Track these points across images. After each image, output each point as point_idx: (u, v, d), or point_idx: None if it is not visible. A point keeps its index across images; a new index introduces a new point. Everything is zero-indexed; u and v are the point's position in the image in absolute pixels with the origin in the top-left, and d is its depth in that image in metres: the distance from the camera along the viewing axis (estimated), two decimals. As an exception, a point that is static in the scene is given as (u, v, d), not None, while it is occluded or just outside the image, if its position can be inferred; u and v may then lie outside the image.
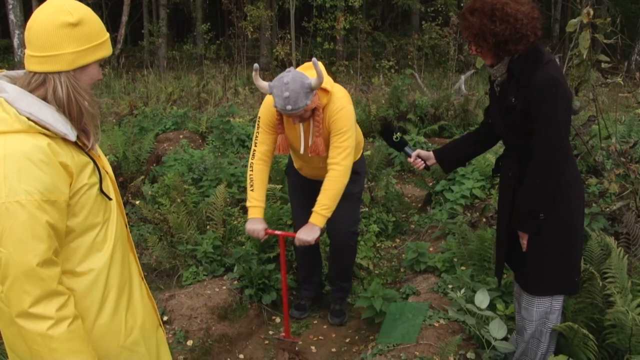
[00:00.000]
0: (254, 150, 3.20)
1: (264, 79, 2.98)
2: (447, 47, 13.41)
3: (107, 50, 1.64)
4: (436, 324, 3.13)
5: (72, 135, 1.55)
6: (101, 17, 15.54)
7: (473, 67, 10.83)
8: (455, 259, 3.80)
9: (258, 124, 3.18)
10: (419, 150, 2.83)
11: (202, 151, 6.26)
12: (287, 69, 2.88)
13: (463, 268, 3.67)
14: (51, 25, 1.50)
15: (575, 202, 2.43)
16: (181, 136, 7.58)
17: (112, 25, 19.65)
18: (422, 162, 2.82)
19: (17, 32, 14.36)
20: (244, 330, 3.61)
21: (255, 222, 3.15)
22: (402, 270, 4.26)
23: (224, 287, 3.73)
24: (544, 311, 2.51)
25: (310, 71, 2.92)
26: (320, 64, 2.80)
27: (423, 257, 3.93)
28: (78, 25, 1.53)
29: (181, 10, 24.53)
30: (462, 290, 2.91)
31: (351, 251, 3.64)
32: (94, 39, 1.58)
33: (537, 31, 2.29)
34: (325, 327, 3.73)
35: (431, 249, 4.26)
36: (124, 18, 16.38)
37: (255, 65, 2.96)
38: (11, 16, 14.34)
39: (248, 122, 7.94)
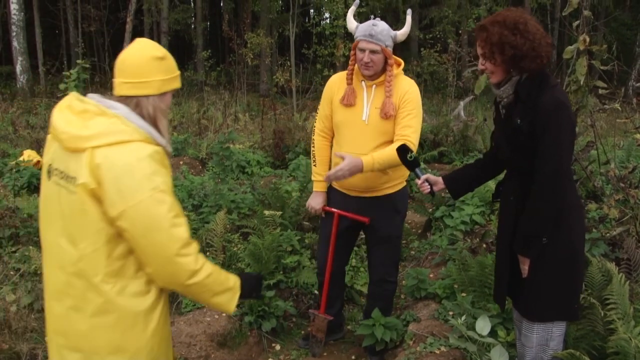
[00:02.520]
0: (314, 126, 3.42)
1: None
2: (445, 74, 13.55)
3: (179, 82, 1.96)
4: (437, 351, 3.10)
5: (169, 147, 1.90)
6: (103, 43, 15.71)
7: (472, 93, 10.91)
8: (456, 285, 3.78)
9: (320, 102, 3.36)
10: (428, 175, 2.82)
11: (202, 177, 6.28)
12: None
13: (464, 294, 3.65)
14: (144, 58, 1.83)
15: (576, 227, 2.43)
16: (181, 162, 7.60)
17: (113, 52, 19.83)
18: (429, 186, 2.80)
19: (20, 58, 14.51)
20: (243, 358, 3.58)
21: (316, 199, 3.40)
22: (402, 296, 4.24)
23: (224, 314, 3.70)
24: (544, 338, 2.49)
25: None
26: (410, 19, 3.12)
27: (423, 284, 3.90)
28: (164, 59, 1.86)
29: (182, 37, 24.83)
30: (463, 317, 2.89)
31: (391, 285, 3.53)
32: (173, 71, 1.90)
33: (549, 55, 2.33)
34: (325, 354, 3.70)
35: (431, 276, 4.24)
36: (126, 45, 16.52)
37: (357, 1, 3.26)
38: (14, 43, 14.50)
39: (248, 149, 7.97)
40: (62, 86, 5.46)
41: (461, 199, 5.06)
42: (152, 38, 20.21)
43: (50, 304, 1.86)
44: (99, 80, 17.49)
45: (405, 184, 3.37)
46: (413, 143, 3.03)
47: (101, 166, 1.70)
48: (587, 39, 3.63)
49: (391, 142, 3.12)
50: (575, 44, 3.69)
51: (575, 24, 3.79)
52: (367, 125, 3.13)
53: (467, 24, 16.47)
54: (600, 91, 3.93)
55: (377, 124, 3.11)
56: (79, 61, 5.59)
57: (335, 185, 3.38)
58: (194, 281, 1.79)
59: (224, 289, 1.91)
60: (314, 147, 3.40)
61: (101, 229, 1.73)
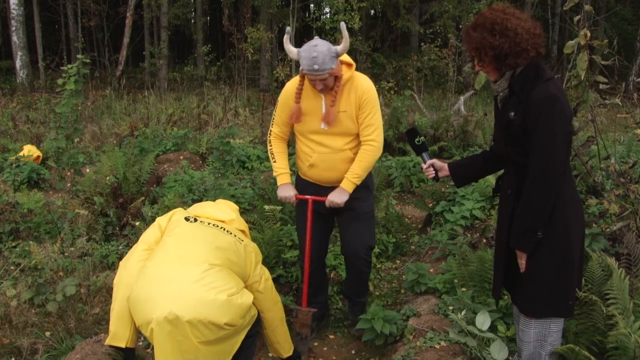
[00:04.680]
0: (271, 129, 3.50)
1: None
2: (446, 68, 13.51)
3: None
4: (437, 346, 3.11)
5: None
6: (103, 38, 15.68)
7: (472, 88, 10.90)
8: (456, 280, 3.79)
9: (276, 107, 3.44)
10: (434, 160, 2.84)
11: (202, 172, 6.27)
12: (315, 37, 3.18)
13: (464, 289, 3.65)
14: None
15: (572, 223, 2.41)
16: (181, 157, 7.60)
17: (113, 46, 19.81)
18: (434, 171, 2.82)
19: (19, 53, 14.47)
20: (244, 353, 3.58)
21: (286, 189, 3.45)
22: (402, 291, 4.24)
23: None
24: (541, 333, 2.49)
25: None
26: (346, 33, 3.08)
27: (423, 279, 3.90)
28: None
29: (182, 32, 24.78)
30: (463, 312, 2.90)
31: (368, 265, 3.63)
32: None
33: (539, 47, 2.32)
34: (325, 349, 3.70)
35: (431, 270, 4.25)
36: (126, 40, 16.51)
37: (288, 28, 3.27)
38: (14, 38, 14.46)
39: (248, 144, 7.96)
40: (60, 81, 5.43)
41: (461, 194, 5.06)
42: (151, 33, 20.20)
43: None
44: (98, 76, 17.47)
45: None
46: (376, 140, 3.25)
47: (245, 239, 2.80)
48: (588, 34, 3.62)
49: (356, 136, 3.31)
50: (576, 38, 3.68)
51: (576, 18, 3.78)
52: (327, 130, 3.28)
53: (468, 18, 16.42)
54: (600, 86, 3.92)
55: (337, 127, 3.26)
56: (79, 56, 5.56)
57: (306, 178, 3.48)
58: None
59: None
60: (271, 146, 3.49)
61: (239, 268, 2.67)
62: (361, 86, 3.22)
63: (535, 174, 2.30)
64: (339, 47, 3.07)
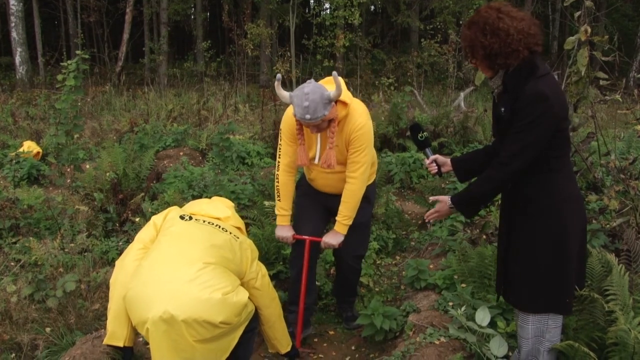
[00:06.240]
0: (278, 162, 3.39)
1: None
2: (446, 65, 13.49)
3: None
4: (437, 342, 3.11)
5: None
6: (102, 34, 15.66)
7: (472, 84, 10.88)
8: (456, 276, 3.79)
9: (280, 137, 3.34)
10: (437, 156, 2.86)
11: (202, 168, 6.28)
12: (308, 80, 3.05)
13: (463, 285, 3.66)
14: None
15: (570, 220, 2.40)
16: (181, 153, 7.59)
17: (113, 42, 19.77)
18: (437, 167, 2.83)
19: (19, 49, 14.46)
20: (244, 349, 3.58)
21: (284, 230, 3.45)
22: (402, 287, 4.25)
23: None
24: (539, 329, 2.49)
25: (330, 85, 3.05)
26: (340, 78, 2.96)
27: (423, 275, 3.91)
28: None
29: (182, 28, 24.75)
30: (463, 308, 2.90)
31: (356, 273, 3.74)
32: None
33: (533, 46, 2.31)
34: (325, 345, 3.71)
35: (431, 266, 4.25)
36: (125, 36, 16.49)
37: (278, 75, 3.13)
38: (13, 34, 14.45)
39: (248, 140, 7.96)
40: (60, 77, 5.43)
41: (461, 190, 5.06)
42: (151, 29, 20.17)
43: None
44: (98, 72, 17.44)
45: (374, 176, 3.57)
46: (359, 178, 3.23)
47: (241, 236, 2.79)
48: (589, 30, 3.62)
49: None
50: (577, 35, 3.68)
51: (576, 14, 3.78)
52: (319, 165, 3.28)
53: (468, 14, 16.40)
54: (601, 82, 3.92)
55: None
56: (78, 52, 5.56)
57: (311, 184, 3.51)
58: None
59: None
60: (278, 183, 3.40)
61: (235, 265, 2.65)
62: (354, 123, 3.14)
63: (501, 159, 2.36)
64: (331, 93, 2.95)
